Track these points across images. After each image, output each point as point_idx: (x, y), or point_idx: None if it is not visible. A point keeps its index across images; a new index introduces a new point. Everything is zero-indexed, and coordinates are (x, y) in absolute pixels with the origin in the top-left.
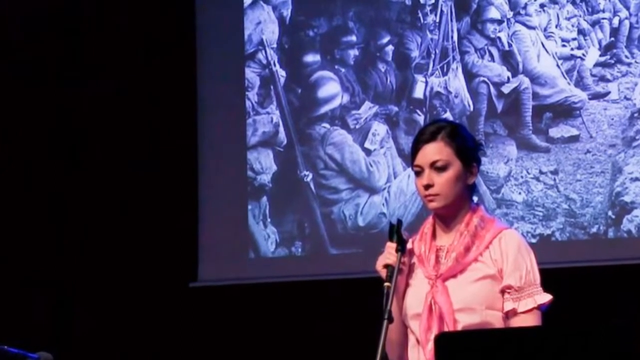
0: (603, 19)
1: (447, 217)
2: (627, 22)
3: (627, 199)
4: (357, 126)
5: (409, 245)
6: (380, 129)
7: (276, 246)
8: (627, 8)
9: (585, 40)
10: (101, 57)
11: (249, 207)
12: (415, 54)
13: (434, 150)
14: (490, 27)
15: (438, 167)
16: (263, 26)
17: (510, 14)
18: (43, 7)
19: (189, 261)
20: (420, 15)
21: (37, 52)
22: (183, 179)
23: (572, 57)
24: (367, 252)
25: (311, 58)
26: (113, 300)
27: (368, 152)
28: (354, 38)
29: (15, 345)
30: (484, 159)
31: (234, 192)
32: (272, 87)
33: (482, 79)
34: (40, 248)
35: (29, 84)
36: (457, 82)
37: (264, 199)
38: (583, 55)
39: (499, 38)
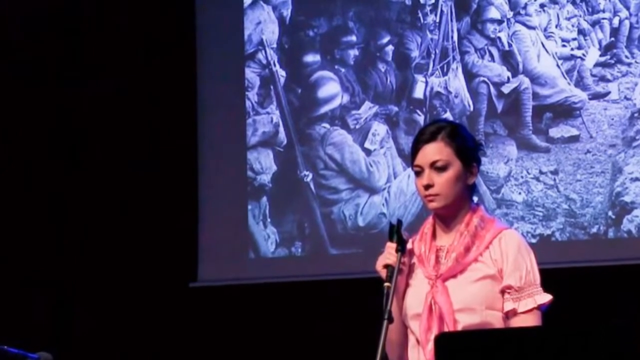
0: (603, 19)
1: (447, 217)
2: (627, 22)
3: (627, 199)
4: (357, 126)
5: (409, 246)
6: (380, 129)
7: (276, 246)
8: (627, 8)
9: (585, 40)
10: (101, 57)
11: (249, 207)
12: (415, 54)
13: (434, 151)
14: (490, 27)
15: (438, 167)
16: (263, 26)
17: (510, 14)
18: (43, 7)
19: (189, 261)
20: (420, 15)
21: (37, 52)
22: (183, 179)
23: (572, 57)
24: (367, 252)
25: (311, 58)
26: (113, 300)
27: (368, 152)
28: (354, 38)
29: (15, 345)
30: (484, 159)
31: (234, 192)
32: (272, 87)
33: (482, 79)
34: (40, 248)
35: (29, 84)
36: (457, 82)
37: (264, 199)
38: (583, 55)
39: (499, 38)
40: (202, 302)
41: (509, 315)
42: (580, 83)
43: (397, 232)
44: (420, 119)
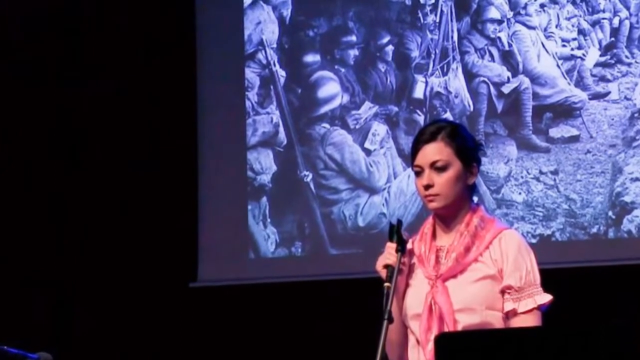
0: (603, 19)
1: (447, 218)
2: (627, 22)
3: (627, 199)
4: (357, 126)
5: (409, 246)
6: (380, 129)
7: (276, 246)
8: (628, 8)
9: (585, 40)
10: (101, 57)
11: (249, 207)
12: (415, 54)
13: (434, 151)
14: (491, 27)
15: (438, 167)
16: (263, 26)
17: (510, 14)
18: (43, 7)
19: (189, 261)
20: (420, 15)
21: (37, 52)
22: (183, 179)
23: (572, 57)
24: (367, 252)
25: (311, 58)
26: (113, 300)
27: (368, 152)
28: (354, 38)
29: (15, 345)
30: (484, 159)
31: (234, 192)
32: (272, 87)
33: (482, 79)
34: (40, 248)
35: (29, 84)
36: (457, 82)
37: (264, 199)
38: (583, 55)
39: (499, 38)
40: (202, 302)
41: (509, 315)
42: (580, 83)
43: (397, 232)
44: (420, 119)
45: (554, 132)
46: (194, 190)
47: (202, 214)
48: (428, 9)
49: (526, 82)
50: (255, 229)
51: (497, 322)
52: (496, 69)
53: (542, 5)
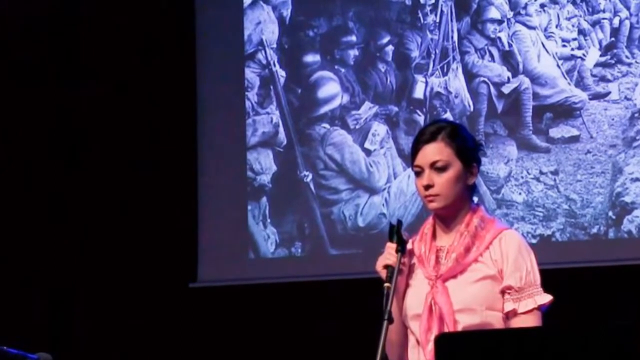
0: (603, 19)
1: (447, 218)
2: (627, 22)
3: (627, 199)
4: (357, 126)
5: (409, 246)
6: (380, 129)
7: (276, 247)
8: (628, 8)
9: (585, 40)
10: (101, 57)
11: (249, 207)
12: (415, 54)
13: (434, 151)
14: (491, 27)
15: (438, 168)
16: (263, 26)
17: (510, 14)
18: (43, 7)
19: (189, 262)
20: (420, 15)
21: (37, 52)
22: (183, 179)
23: (572, 57)
24: (367, 252)
25: (311, 58)
26: (113, 300)
27: (368, 152)
28: (354, 38)
29: (15, 345)
30: (484, 159)
31: (234, 192)
32: (272, 87)
33: (482, 79)
34: (40, 248)
35: (29, 84)
36: (457, 82)
37: (264, 199)
38: (583, 55)
39: (499, 38)
40: (202, 303)
41: (509, 315)
42: (580, 83)
43: (397, 233)
44: (420, 119)
45: (554, 132)
46: (194, 191)
47: (202, 214)
48: (428, 9)
49: (526, 82)
50: (255, 229)
51: (497, 322)
52: (496, 69)
53: (542, 5)
